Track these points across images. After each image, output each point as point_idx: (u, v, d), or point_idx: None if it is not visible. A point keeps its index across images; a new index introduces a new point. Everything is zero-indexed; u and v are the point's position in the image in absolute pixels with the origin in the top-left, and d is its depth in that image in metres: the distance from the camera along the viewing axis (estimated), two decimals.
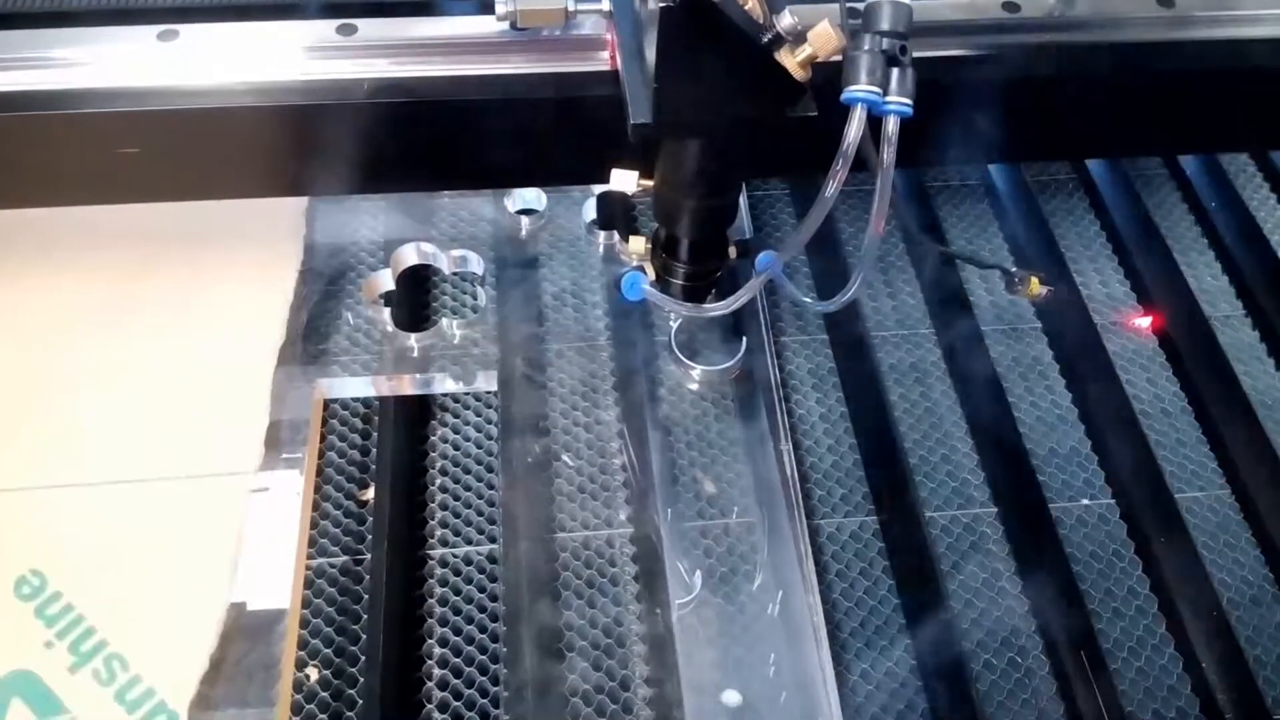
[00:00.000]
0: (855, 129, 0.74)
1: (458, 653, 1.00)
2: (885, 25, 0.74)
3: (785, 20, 0.77)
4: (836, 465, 1.14)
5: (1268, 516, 1.11)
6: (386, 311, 1.23)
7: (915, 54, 0.75)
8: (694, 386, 1.18)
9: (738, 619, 1.01)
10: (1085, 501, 1.13)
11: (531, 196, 1.34)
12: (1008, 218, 1.37)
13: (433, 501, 1.11)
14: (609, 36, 0.97)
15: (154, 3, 1.02)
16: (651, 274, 1.04)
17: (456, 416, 1.17)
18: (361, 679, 0.98)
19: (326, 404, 1.17)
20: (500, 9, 0.94)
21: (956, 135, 1.03)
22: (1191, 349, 1.24)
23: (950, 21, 1.01)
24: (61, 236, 1.24)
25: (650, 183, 0.95)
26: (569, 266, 1.29)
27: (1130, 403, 1.19)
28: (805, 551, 1.04)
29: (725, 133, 0.86)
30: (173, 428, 1.11)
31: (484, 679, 0.99)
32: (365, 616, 1.02)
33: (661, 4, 0.74)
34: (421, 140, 1.02)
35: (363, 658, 0.99)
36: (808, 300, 1.02)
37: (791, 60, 0.79)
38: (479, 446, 1.15)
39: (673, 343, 1.18)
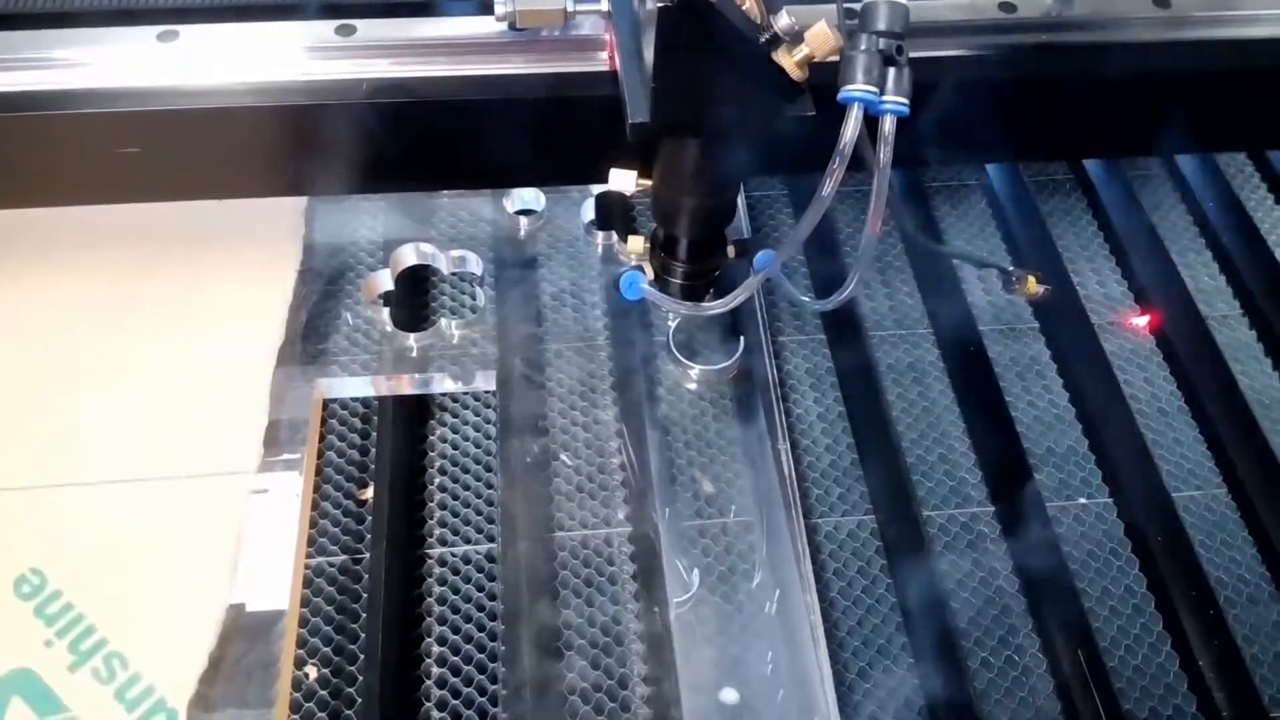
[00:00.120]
0: (851, 128, 0.74)
1: (456, 651, 1.01)
2: (882, 25, 0.74)
3: (783, 20, 0.77)
4: (834, 464, 1.14)
5: (1264, 515, 1.11)
6: (386, 311, 1.23)
7: (911, 54, 0.76)
8: (692, 386, 1.18)
9: (735, 617, 1.02)
10: (1082, 500, 1.13)
11: (530, 197, 1.34)
12: (1005, 218, 1.38)
13: (431, 501, 1.11)
14: (607, 37, 0.97)
15: (154, 3, 1.02)
16: (650, 273, 1.05)
17: (455, 416, 1.18)
18: (360, 677, 0.98)
19: (326, 404, 1.17)
20: (499, 9, 0.95)
21: (953, 135, 1.04)
22: (1188, 348, 1.25)
23: (947, 22, 1.02)
24: (61, 236, 1.25)
25: (649, 182, 0.96)
26: (568, 267, 1.29)
27: (1127, 402, 1.19)
28: (803, 550, 1.04)
29: (723, 132, 0.86)
30: (172, 427, 1.11)
31: (482, 677, 0.99)
32: (364, 615, 1.02)
33: (659, 4, 0.74)
34: (421, 140, 1.03)
35: (362, 656, 0.99)
36: (805, 299, 1.03)
37: (789, 60, 0.79)
38: (478, 446, 1.15)
39: (671, 342, 1.19)
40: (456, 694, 0.98)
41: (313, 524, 1.08)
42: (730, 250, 1.03)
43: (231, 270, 1.24)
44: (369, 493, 1.10)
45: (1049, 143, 1.19)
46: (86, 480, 1.07)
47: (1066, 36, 1.03)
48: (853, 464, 1.15)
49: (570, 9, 0.94)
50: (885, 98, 0.74)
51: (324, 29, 1.00)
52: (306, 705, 0.97)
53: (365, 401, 1.18)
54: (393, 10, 1.02)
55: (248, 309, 1.20)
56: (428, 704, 0.97)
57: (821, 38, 0.77)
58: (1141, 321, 1.28)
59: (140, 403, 1.13)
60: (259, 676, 0.97)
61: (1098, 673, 1.00)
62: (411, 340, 1.21)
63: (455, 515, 1.10)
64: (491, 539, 1.08)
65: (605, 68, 0.98)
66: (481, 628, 1.02)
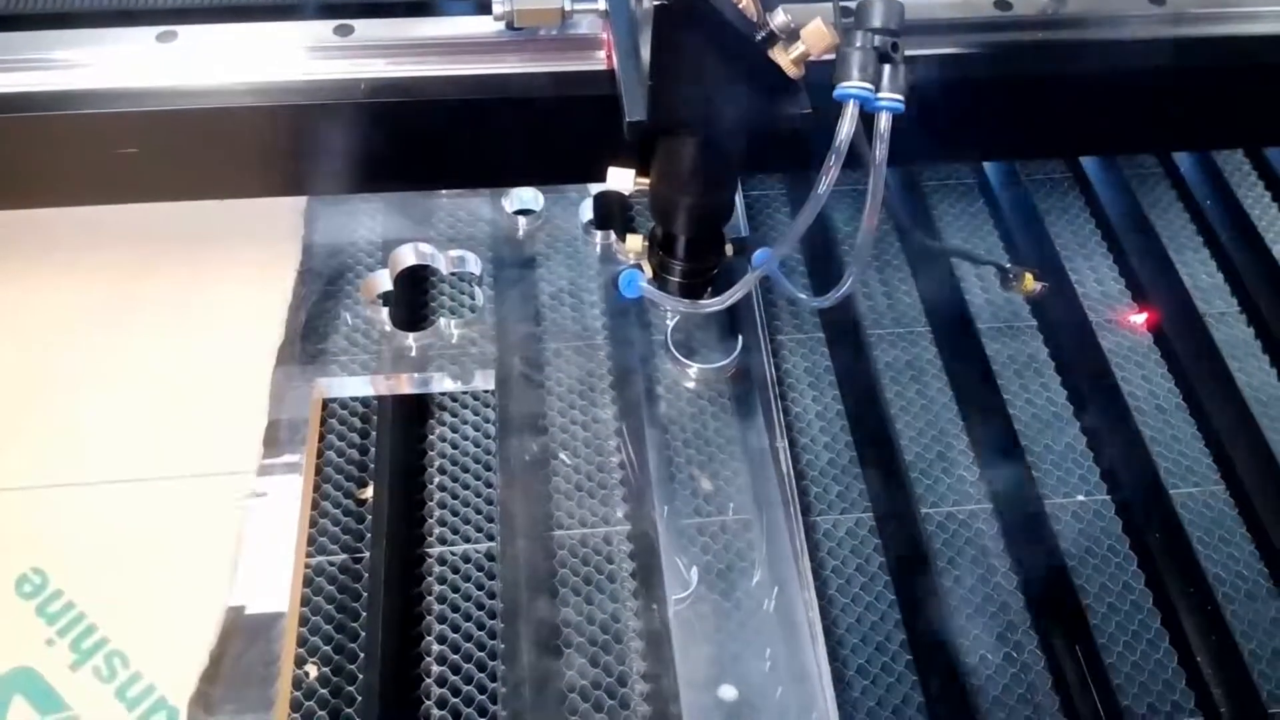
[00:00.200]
0: (847, 125, 0.75)
1: (456, 649, 1.01)
2: (877, 22, 0.74)
3: (779, 18, 0.78)
4: (833, 462, 1.15)
5: (1262, 511, 1.11)
6: (385, 311, 1.23)
7: (907, 52, 0.76)
8: (691, 385, 1.19)
9: (734, 615, 1.02)
10: (1080, 497, 1.13)
11: (529, 197, 1.35)
12: (1003, 216, 1.38)
13: (431, 500, 1.11)
14: (605, 36, 0.98)
15: (153, 4, 1.03)
16: (649, 272, 1.05)
17: (455, 415, 1.18)
18: (361, 676, 0.98)
19: (325, 403, 1.17)
20: (497, 9, 0.95)
21: (950, 133, 1.04)
22: (1186, 346, 1.25)
23: (942, 20, 1.02)
24: (62, 237, 1.25)
25: (647, 181, 0.96)
26: (566, 266, 1.29)
27: (1125, 399, 1.19)
28: (801, 548, 1.04)
29: (720, 130, 0.87)
30: (172, 427, 1.11)
31: (482, 675, 0.99)
32: (364, 614, 1.02)
33: (656, 2, 0.75)
34: (419, 140, 1.03)
35: (362, 655, 1.00)
36: (803, 296, 1.03)
37: (785, 58, 0.80)
38: (477, 445, 1.15)
39: (669, 341, 1.19)
40: (456, 692, 0.98)
41: (313, 523, 1.08)
42: (728, 248, 1.03)
43: (231, 270, 1.24)
44: (369, 492, 1.10)
45: (1046, 140, 1.20)
46: (87, 480, 1.07)
47: (1062, 34, 1.04)
48: (851, 462, 1.15)
49: (568, 8, 0.95)
50: (881, 95, 0.75)
51: (322, 29, 1.00)
52: (307, 704, 0.97)
53: (365, 401, 1.18)
54: (391, 10, 1.02)
55: (247, 309, 1.21)
56: (428, 702, 0.98)
57: (817, 35, 0.77)
58: (1139, 319, 1.28)
59: (140, 403, 1.13)
60: (259, 675, 0.98)
61: (1096, 669, 1.00)
62: (411, 340, 1.21)
63: (455, 514, 1.10)
64: (491, 537, 1.08)
65: (603, 67, 0.99)
66: (481, 626, 1.02)
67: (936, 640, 1.01)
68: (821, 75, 0.79)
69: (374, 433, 1.15)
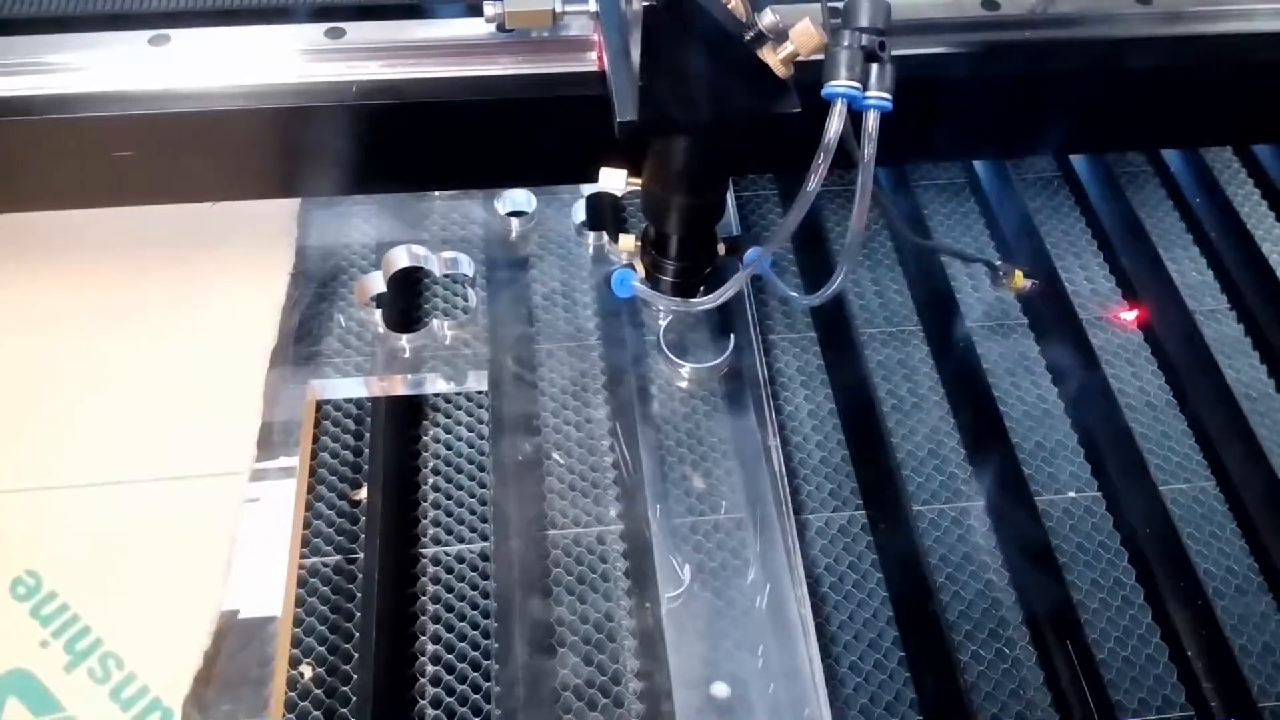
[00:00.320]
0: (836, 124, 0.75)
1: (450, 649, 1.01)
2: (864, 21, 0.75)
3: (767, 18, 0.79)
4: (825, 461, 1.15)
5: (1252, 507, 1.12)
6: (378, 313, 1.23)
7: (894, 52, 0.77)
8: (683, 384, 1.19)
9: (727, 613, 1.02)
10: (1071, 494, 1.14)
11: (521, 199, 1.35)
12: (993, 214, 1.39)
13: (425, 500, 1.11)
14: (596, 37, 0.98)
15: (145, 8, 1.03)
16: (641, 271, 1.06)
17: (448, 416, 1.18)
18: (355, 676, 0.99)
19: (319, 405, 1.18)
20: (488, 11, 0.96)
21: (939, 132, 1.05)
22: (1176, 343, 1.25)
23: (929, 20, 1.03)
24: (55, 240, 1.25)
25: (639, 182, 0.97)
26: (559, 267, 1.30)
27: (1116, 396, 1.20)
28: (793, 546, 1.05)
29: (710, 130, 0.87)
30: (166, 429, 1.12)
31: (477, 675, 1.00)
32: (359, 615, 1.02)
33: (645, 3, 0.75)
34: (412, 141, 1.03)
35: (356, 655, 1.00)
36: (794, 294, 1.03)
37: (774, 58, 0.80)
38: (470, 446, 1.16)
39: (662, 341, 1.19)
40: (451, 691, 0.99)
41: (307, 524, 1.08)
42: (720, 247, 1.04)
43: (225, 274, 1.24)
44: (363, 493, 1.11)
45: (1035, 139, 1.20)
46: (81, 482, 1.07)
47: (1049, 33, 1.04)
48: (843, 460, 1.15)
49: (558, 10, 0.95)
50: (869, 93, 0.75)
51: (314, 32, 1.01)
52: (301, 704, 0.97)
53: (358, 402, 1.18)
54: (382, 14, 1.03)
55: (241, 311, 1.21)
56: (422, 701, 0.98)
57: (806, 35, 0.78)
58: (1129, 316, 1.29)
59: (134, 405, 1.13)
60: (254, 676, 0.98)
61: (1088, 664, 1.00)
62: (404, 341, 1.21)
63: (448, 514, 1.10)
64: (485, 538, 1.08)
65: (594, 68, 0.99)
66: (475, 626, 1.03)
67: (928, 637, 1.02)
68: (810, 75, 0.79)
69: (368, 434, 1.15)
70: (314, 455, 1.14)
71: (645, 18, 0.76)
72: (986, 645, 1.03)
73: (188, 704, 0.95)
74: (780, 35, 0.79)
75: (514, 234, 1.33)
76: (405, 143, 1.04)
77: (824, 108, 0.77)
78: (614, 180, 0.95)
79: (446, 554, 1.08)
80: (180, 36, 1.00)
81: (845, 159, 0.78)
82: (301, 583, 1.04)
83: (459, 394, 1.20)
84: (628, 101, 0.84)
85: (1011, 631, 1.04)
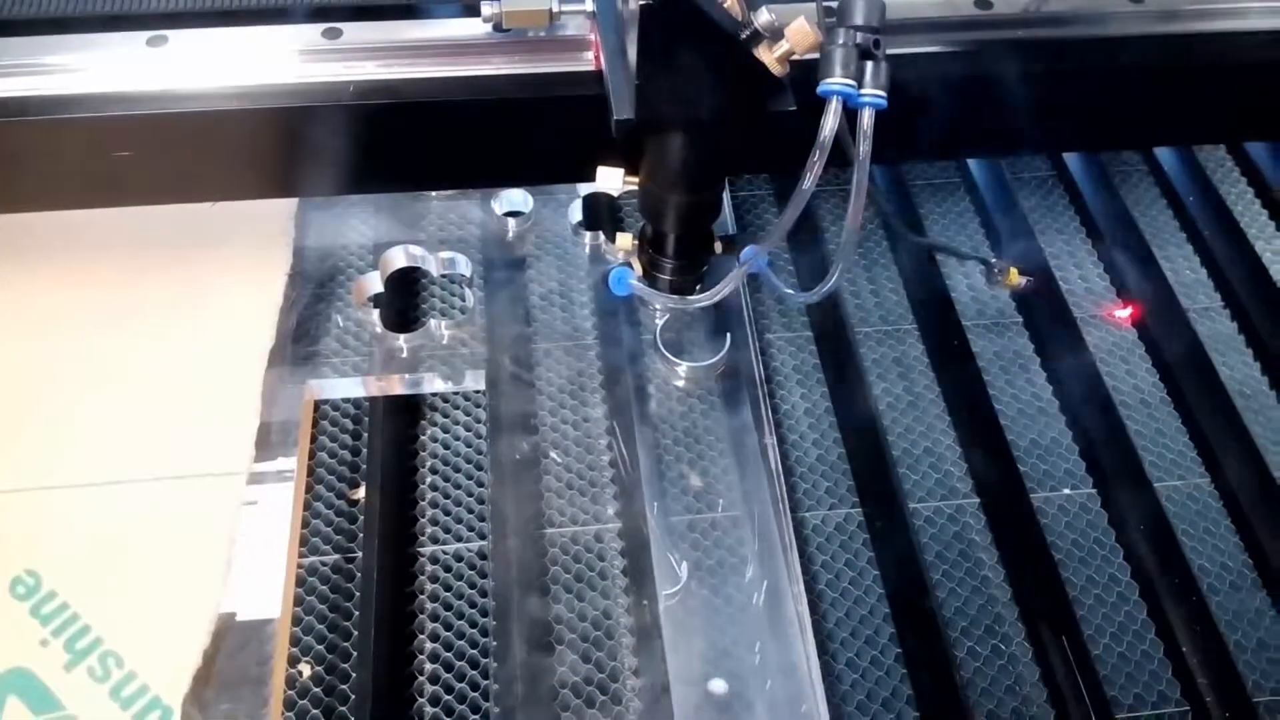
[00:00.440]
0: (831, 121, 0.76)
1: (449, 647, 1.01)
2: (859, 20, 0.76)
3: (763, 17, 0.79)
4: (821, 459, 1.16)
5: (1246, 504, 1.12)
6: (376, 313, 1.24)
7: (888, 51, 0.77)
8: (680, 383, 1.19)
9: (724, 610, 1.02)
10: (1066, 491, 1.14)
11: (518, 199, 1.36)
12: (988, 214, 1.39)
13: (423, 499, 1.12)
14: (592, 37, 0.98)
15: (143, 9, 1.03)
16: (639, 269, 1.06)
17: (446, 416, 1.19)
18: (354, 674, 0.99)
19: (317, 405, 1.18)
20: (486, 11, 0.96)
21: (931, 131, 1.05)
22: (1170, 340, 1.26)
23: (924, 19, 1.03)
24: (54, 240, 1.25)
25: (636, 180, 0.97)
26: (556, 267, 1.30)
27: (1110, 394, 1.20)
28: (790, 543, 1.05)
29: (707, 128, 0.88)
30: (165, 429, 1.12)
31: (475, 672, 1.00)
32: (357, 613, 1.03)
33: (642, 2, 0.76)
34: (410, 141, 1.04)
35: (355, 653, 1.00)
36: (790, 291, 1.04)
37: (769, 56, 0.81)
38: (468, 445, 1.16)
39: (659, 340, 1.20)
40: (449, 689, 0.99)
41: (305, 524, 1.09)
42: (717, 246, 1.04)
43: (223, 274, 1.24)
44: (361, 492, 1.11)
45: (1029, 137, 1.21)
46: (80, 482, 1.08)
47: (1042, 32, 1.05)
48: (839, 458, 1.16)
49: (555, 10, 0.95)
50: (863, 91, 0.76)
51: (311, 33, 1.01)
52: (300, 702, 0.97)
53: (356, 402, 1.19)
54: (379, 14, 1.03)
55: (239, 312, 1.21)
56: (421, 699, 0.98)
57: (801, 34, 0.78)
58: (1123, 314, 1.30)
59: (133, 405, 1.13)
60: (253, 674, 0.98)
61: (1083, 660, 1.01)
62: (401, 341, 1.22)
63: (446, 513, 1.11)
64: (483, 536, 1.09)
65: (591, 67, 1.00)
66: (474, 624, 1.03)
67: (925, 633, 1.02)
68: (806, 73, 0.80)
69: (365, 434, 1.16)
70: (312, 455, 1.14)
71: (642, 17, 0.77)
72: (982, 641, 1.03)
73: (187, 702, 0.95)
74: (776, 34, 0.80)
75: (511, 234, 1.33)
76: (403, 142, 1.04)
77: (819, 106, 0.77)
78: (611, 179, 0.96)
79: (445, 553, 1.08)
80: (178, 37, 1.00)
81: (840, 157, 0.79)
82: (300, 582, 1.05)
83: (457, 393, 1.20)
84: (625, 100, 0.85)
85: (1007, 628, 1.05)
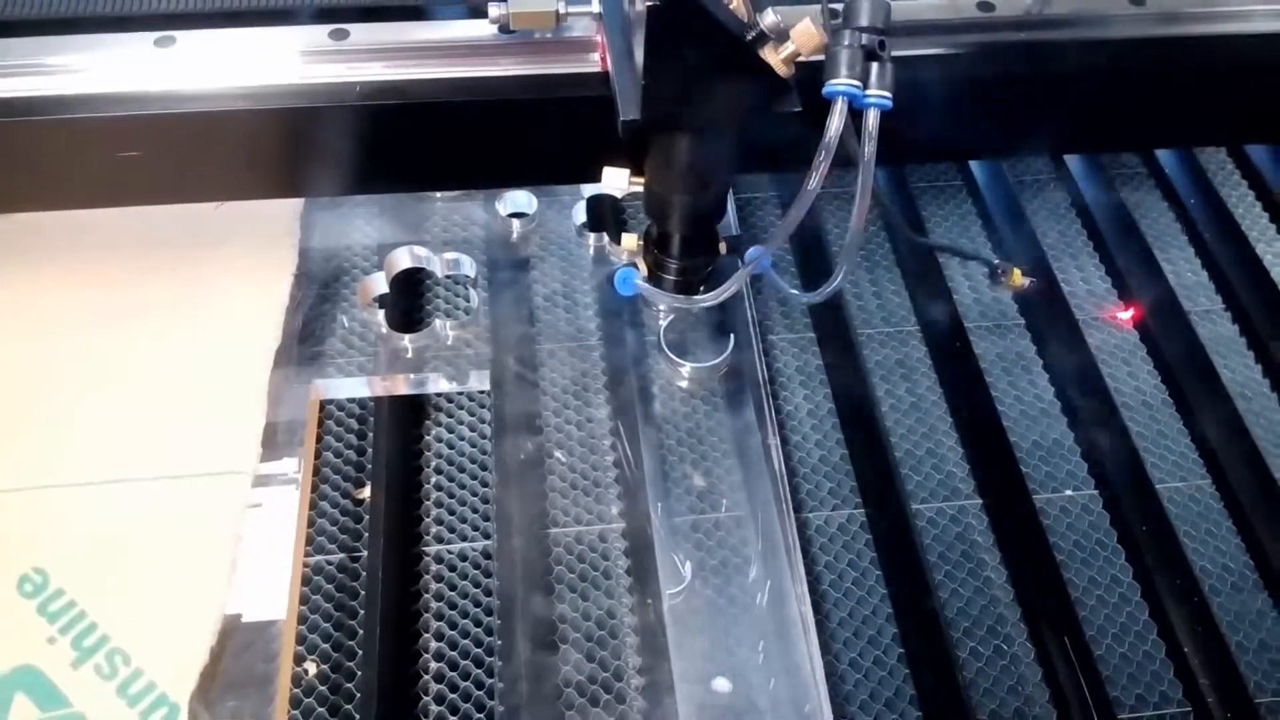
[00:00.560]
0: (836, 122, 0.76)
1: (454, 646, 1.02)
2: (864, 21, 0.76)
3: (768, 18, 0.80)
4: (824, 459, 1.16)
5: (1247, 505, 1.12)
6: (381, 314, 1.24)
7: (892, 53, 0.78)
8: (684, 384, 1.20)
9: (728, 610, 1.03)
10: (1069, 492, 1.15)
11: (523, 200, 1.36)
12: (990, 216, 1.40)
13: (428, 499, 1.12)
14: (599, 38, 0.99)
15: (151, 10, 1.04)
16: (644, 270, 1.06)
17: (450, 416, 1.19)
18: (359, 673, 0.99)
19: (322, 405, 1.19)
20: (493, 12, 0.96)
21: (935, 133, 1.06)
22: (1171, 342, 1.26)
23: (926, 21, 1.04)
24: (61, 240, 1.26)
25: (641, 181, 0.97)
26: (560, 268, 1.31)
27: (1112, 395, 1.21)
28: (793, 543, 1.05)
29: (712, 128, 0.88)
30: (172, 428, 1.12)
31: (480, 671, 1.00)
32: (362, 612, 1.03)
33: (649, 4, 0.76)
34: (416, 141, 1.04)
35: (360, 652, 1.01)
36: (794, 291, 1.04)
37: (775, 57, 0.81)
38: (473, 445, 1.16)
39: (662, 341, 1.20)
40: (454, 688, 0.99)
41: (311, 523, 1.09)
42: (722, 246, 1.05)
43: (229, 275, 1.25)
44: (366, 492, 1.11)
45: (1030, 140, 1.21)
46: (88, 480, 1.08)
47: (1044, 34, 1.05)
48: (842, 459, 1.16)
49: (562, 11, 0.96)
50: (869, 92, 0.76)
51: (318, 34, 1.01)
52: (306, 700, 0.98)
53: (361, 402, 1.19)
54: (386, 15, 1.04)
55: (245, 312, 1.22)
56: (426, 698, 0.99)
57: (807, 35, 0.79)
58: (1125, 316, 1.30)
59: (140, 404, 1.14)
60: (259, 673, 0.98)
61: (1085, 661, 1.01)
62: (406, 341, 1.22)
63: (451, 513, 1.11)
64: (487, 536, 1.09)
65: (596, 69, 1.00)
66: (478, 623, 1.03)
67: (927, 634, 1.02)
68: (811, 75, 0.80)
69: (371, 433, 1.16)
70: (318, 454, 1.14)
71: (649, 18, 0.77)
72: (985, 642, 1.04)
73: (194, 700, 0.96)
74: (781, 35, 0.81)
75: (515, 235, 1.34)
76: (409, 143, 1.05)
77: (824, 107, 0.78)
78: (617, 180, 0.96)
79: (449, 552, 1.08)
80: (186, 38, 1.01)
81: (845, 158, 0.80)
82: (306, 581, 1.05)
83: (461, 394, 1.20)
84: (631, 101, 0.85)
85: (1009, 628, 1.05)
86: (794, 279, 1.32)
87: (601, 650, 1.01)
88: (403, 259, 1.30)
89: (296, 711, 0.97)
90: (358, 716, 0.97)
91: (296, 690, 0.98)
